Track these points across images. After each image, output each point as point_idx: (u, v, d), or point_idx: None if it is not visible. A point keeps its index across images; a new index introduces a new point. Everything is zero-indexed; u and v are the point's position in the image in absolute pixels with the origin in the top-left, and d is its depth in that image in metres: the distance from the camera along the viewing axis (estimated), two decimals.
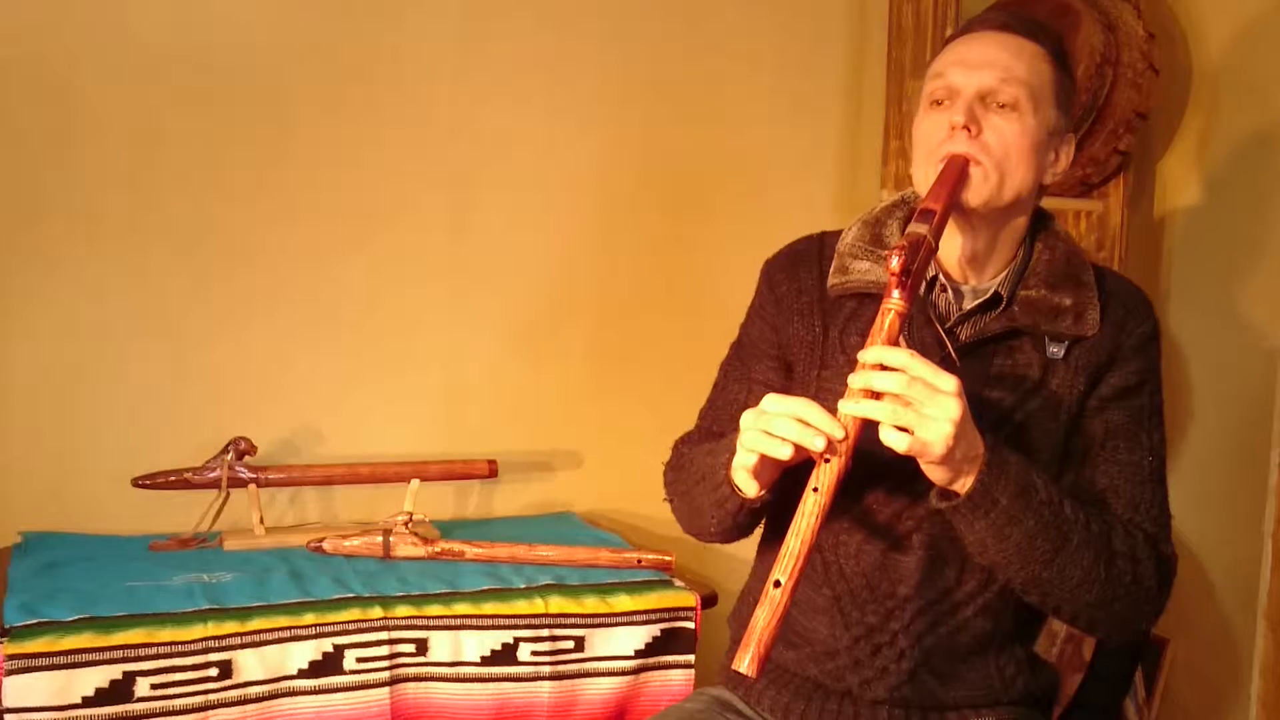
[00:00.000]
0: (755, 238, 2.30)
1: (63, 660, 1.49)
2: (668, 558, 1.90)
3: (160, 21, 2.00)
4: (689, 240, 2.37)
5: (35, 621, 1.54)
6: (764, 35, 2.38)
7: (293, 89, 2.08)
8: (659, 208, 2.34)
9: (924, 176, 1.33)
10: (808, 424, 1.16)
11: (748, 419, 1.21)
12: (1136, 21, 2.16)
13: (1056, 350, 1.35)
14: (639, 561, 1.89)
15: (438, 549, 1.89)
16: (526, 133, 2.24)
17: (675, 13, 2.31)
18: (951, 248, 1.36)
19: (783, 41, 2.39)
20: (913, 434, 1.14)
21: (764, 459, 1.20)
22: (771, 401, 1.19)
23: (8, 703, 1.47)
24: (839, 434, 1.15)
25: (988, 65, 1.30)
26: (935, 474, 1.21)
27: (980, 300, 1.36)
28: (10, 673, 1.47)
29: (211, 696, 1.56)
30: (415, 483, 2.02)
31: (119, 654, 1.52)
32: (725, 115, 2.37)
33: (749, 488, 1.24)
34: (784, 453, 1.17)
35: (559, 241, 2.28)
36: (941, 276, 1.37)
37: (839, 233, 1.45)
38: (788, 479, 1.24)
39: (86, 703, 1.50)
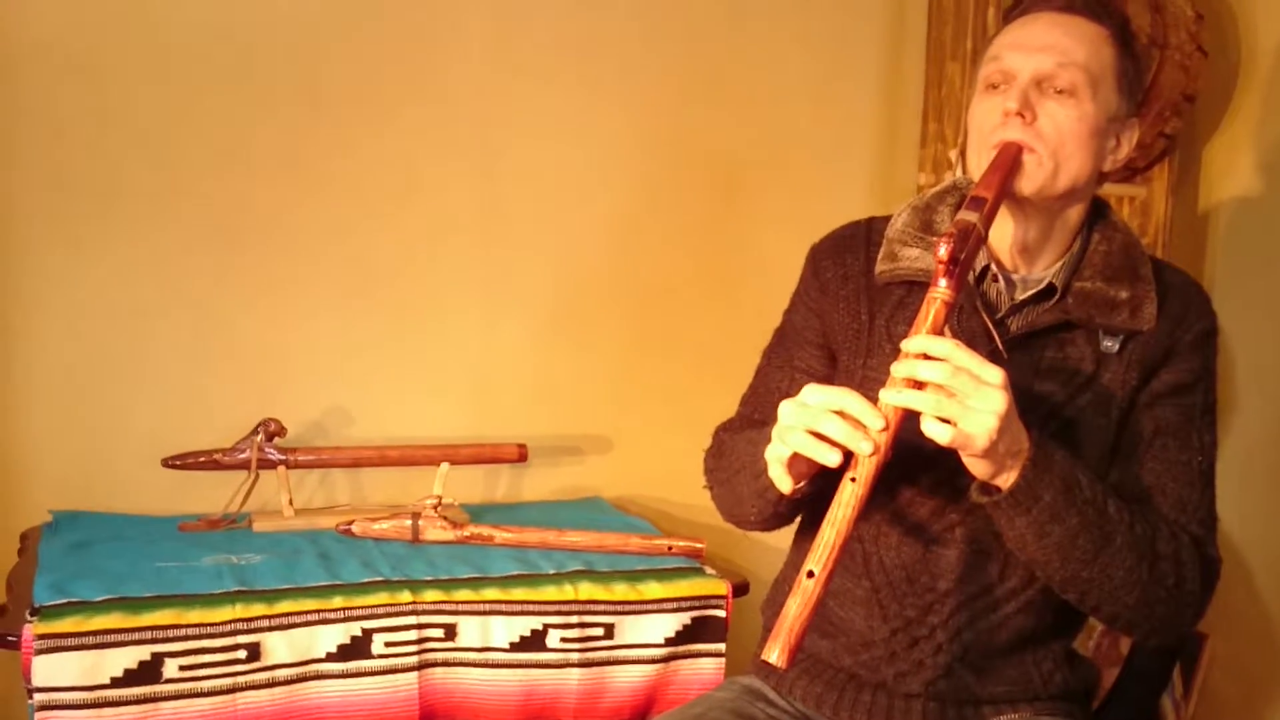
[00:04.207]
0: (789, 220, 2.29)
1: (91, 640, 1.49)
2: (699, 545, 1.88)
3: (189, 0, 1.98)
4: (722, 223, 2.34)
5: (65, 601, 1.54)
6: (801, 15, 2.34)
7: (323, 67, 2.06)
8: (692, 190, 2.31)
9: (977, 162, 1.29)
10: (848, 416, 1.13)
11: (786, 411, 1.18)
12: (1185, 2, 2.11)
13: (1111, 344, 1.31)
14: (670, 548, 1.87)
15: (467, 533, 1.88)
16: (559, 112, 2.21)
17: None
18: (1003, 236, 1.32)
19: (820, 21, 2.35)
20: (956, 426, 1.11)
21: (798, 454, 1.17)
22: (811, 393, 1.16)
23: (37, 682, 1.47)
24: (879, 424, 1.12)
25: (1045, 49, 1.26)
26: (977, 468, 1.18)
27: (1033, 291, 1.32)
28: (39, 652, 1.47)
29: (240, 679, 1.56)
30: (444, 466, 2.01)
31: (148, 635, 1.52)
32: (760, 96, 2.34)
33: (783, 483, 1.21)
34: (833, 459, 1.13)
35: (591, 224, 2.25)
36: (994, 266, 1.33)
37: (887, 218, 1.41)
38: (828, 470, 1.21)
39: (115, 683, 1.50)
